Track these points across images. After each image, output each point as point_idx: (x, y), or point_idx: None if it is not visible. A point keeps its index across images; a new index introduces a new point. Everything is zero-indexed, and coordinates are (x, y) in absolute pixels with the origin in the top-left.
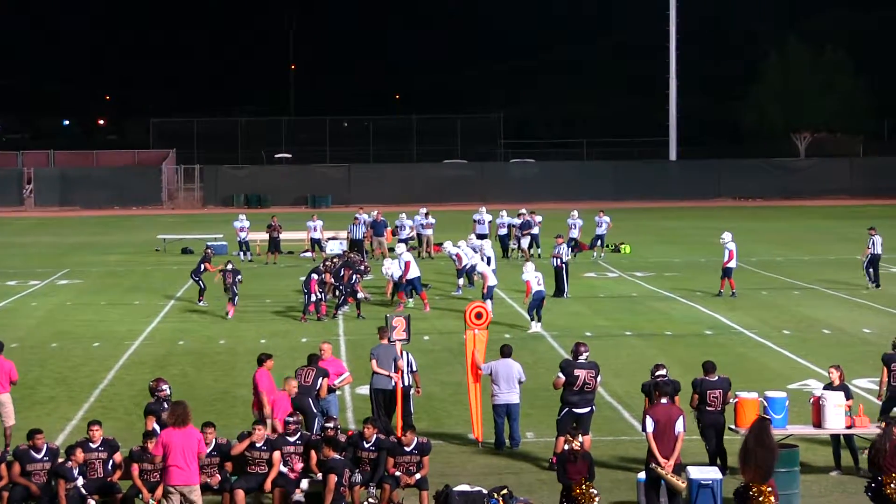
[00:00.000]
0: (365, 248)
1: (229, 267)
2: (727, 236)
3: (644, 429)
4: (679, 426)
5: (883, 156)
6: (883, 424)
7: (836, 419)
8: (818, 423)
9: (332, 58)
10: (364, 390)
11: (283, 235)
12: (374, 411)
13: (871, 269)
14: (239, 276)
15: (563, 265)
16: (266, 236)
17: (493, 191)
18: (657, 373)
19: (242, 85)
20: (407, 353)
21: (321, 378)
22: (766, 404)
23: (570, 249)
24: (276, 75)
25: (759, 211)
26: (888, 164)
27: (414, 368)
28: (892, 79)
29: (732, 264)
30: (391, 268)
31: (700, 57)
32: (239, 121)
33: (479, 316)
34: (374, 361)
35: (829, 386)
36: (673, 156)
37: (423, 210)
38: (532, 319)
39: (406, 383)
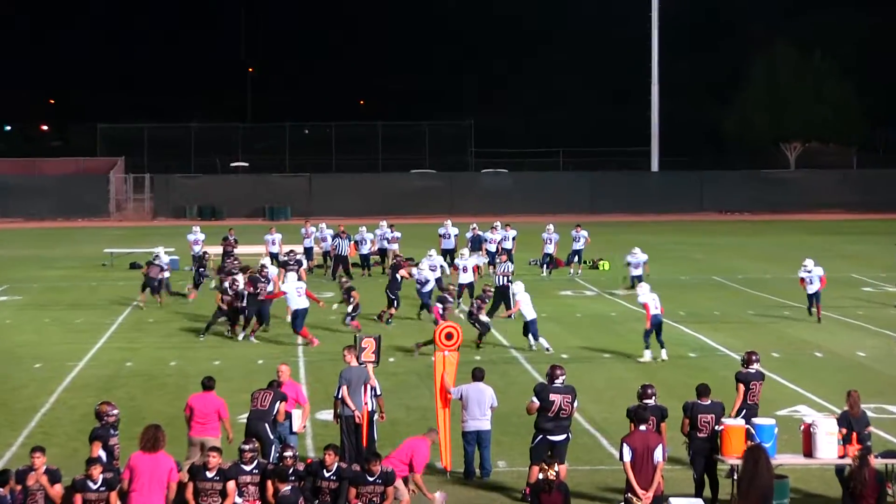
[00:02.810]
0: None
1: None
2: (810, 263)
3: (621, 458)
4: (658, 455)
5: (878, 167)
6: (857, 451)
7: (827, 448)
8: (809, 453)
9: (292, 61)
10: (325, 415)
11: (239, 250)
12: (342, 440)
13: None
14: (166, 273)
15: (510, 284)
16: (220, 250)
17: (462, 202)
18: (645, 396)
19: (196, 88)
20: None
21: (279, 402)
22: (752, 432)
23: (545, 265)
24: (233, 78)
25: (745, 225)
26: (884, 176)
27: (378, 392)
28: (886, 87)
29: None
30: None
31: (684, 63)
32: (192, 127)
33: (449, 337)
34: (344, 388)
35: (845, 415)
36: (655, 166)
37: (385, 223)
38: (647, 347)
39: (370, 408)
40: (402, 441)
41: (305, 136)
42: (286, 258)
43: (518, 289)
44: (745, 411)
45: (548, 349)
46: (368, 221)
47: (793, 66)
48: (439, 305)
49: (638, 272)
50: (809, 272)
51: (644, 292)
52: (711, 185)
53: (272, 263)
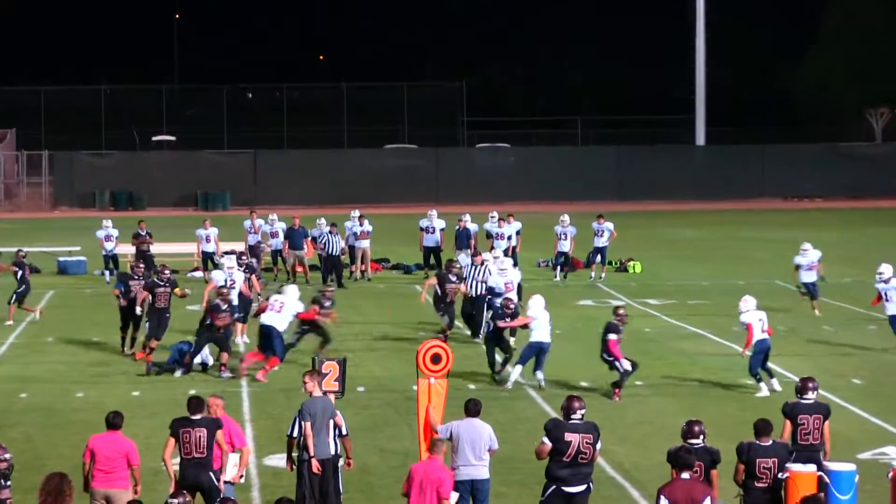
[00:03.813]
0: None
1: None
2: (887, 270)
3: None
4: None
5: None
6: None
7: None
8: None
9: (231, 4)
10: (275, 461)
11: (165, 248)
12: (300, 492)
13: None
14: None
15: (485, 293)
16: (133, 249)
17: (451, 187)
18: (691, 435)
19: (107, 41)
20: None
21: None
22: (827, 480)
23: (560, 267)
24: (155, 27)
25: (817, 215)
26: None
27: (343, 432)
28: None
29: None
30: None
31: (736, 14)
32: (102, 90)
33: (436, 359)
34: (307, 424)
35: None
36: (700, 140)
37: (356, 213)
38: (758, 379)
39: (333, 452)
40: (375, 492)
41: (249, 101)
42: (242, 261)
43: (535, 305)
44: (799, 454)
45: (541, 384)
46: (331, 212)
47: (878, 10)
48: (315, 306)
49: (811, 277)
50: (887, 282)
51: (749, 308)
52: (774, 164)
53: (208, 268)
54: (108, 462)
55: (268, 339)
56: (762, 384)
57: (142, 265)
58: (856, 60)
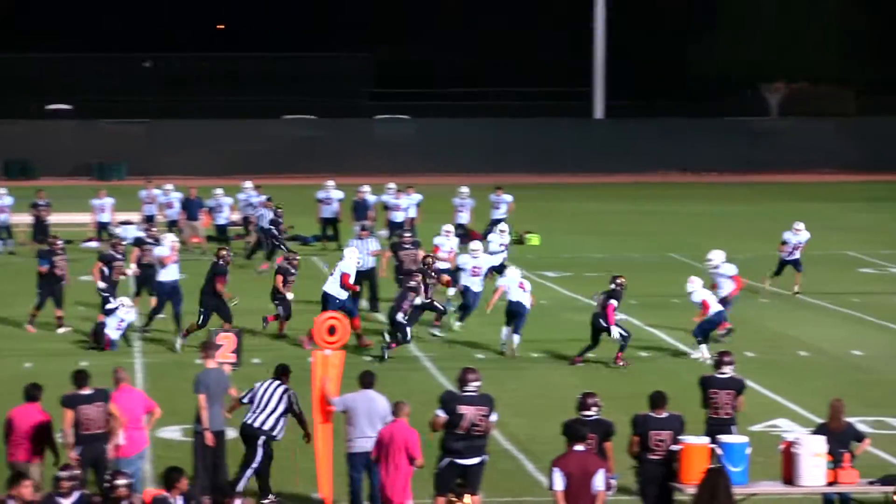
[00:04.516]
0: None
1: None
2: (716, 257)
3: (552, 486)
4: (598, 482)
5: (883, 115)
6: None
7: (813, 473)
8: (790, 479)
9: None
10: (170, 432)
11: (57, 218)
12: (196, 464)
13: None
14: None
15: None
16: (31, 219)
17: (351, 158)
18: (584, 407)
19: (5, 10)
20: (288, 392)
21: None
22: (719, 452)
23: (457, 238)
24: None
25: (715, 189)
26: (890, 125)
27: (294, 408)
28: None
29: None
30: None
31: None
32: None
33: (332, 331)
34: (201, 396)
35: (823, 430)
36: (598, 113)
37: (249, 184)
38: (699, 342)
39: (264, 425)
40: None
41: (145, 70)
42: (144, 233)
43: (509, 275)
44: (711, 428)
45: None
46: (227, 182)
47: None
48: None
49: (797, 255)
50: (716, 268)
51: (696, 287)
52: (671, 137)
53: (103, 238)
54: (23, 435)
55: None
56: (703, 347)
57: (59, 241)
58: (752, 35)
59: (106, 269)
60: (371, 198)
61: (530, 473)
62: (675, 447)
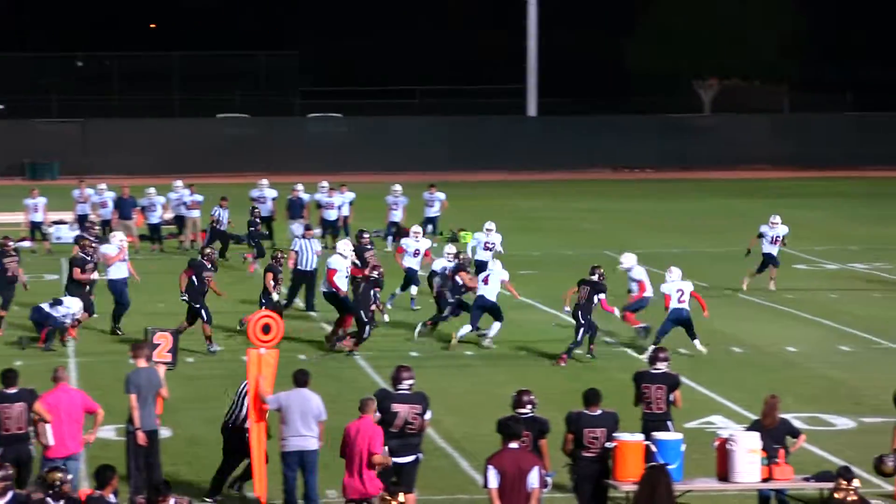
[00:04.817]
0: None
1: None
2: (627, 260)
3: (486, 484)
4: (533, 480)
5: (815, 112)
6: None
7: (748, 469)
8: (724, 475)
9: None
10: (104, 432)
11: None
12: (129, 464)
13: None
14: None
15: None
16: None
17: (284, 156)
18: (519, 404)
19: None
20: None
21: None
22: (654, 450)
23: (392, 237)
24: None
25: (648, 185)
26: (824, 122)
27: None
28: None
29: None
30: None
31: None
32: None
33: (266, 329)
34: (132, 396)
35: (756, 426)
36: (532, 110)
37: (179, 183)
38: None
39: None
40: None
41: (78, 69)
42: (92, 232)
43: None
44: (646, 423)
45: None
46: (161, 181)
47: None
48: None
49: (774, 250)
50: (628, 271)
51: (674, 278)
52: (605, 135)
53: (36, 238)
54: None
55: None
56: (695, 341)
57: (10, 241)
58: (686, 32)
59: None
60: (305, 196)
61: (465, 471)
62: (609, 444)
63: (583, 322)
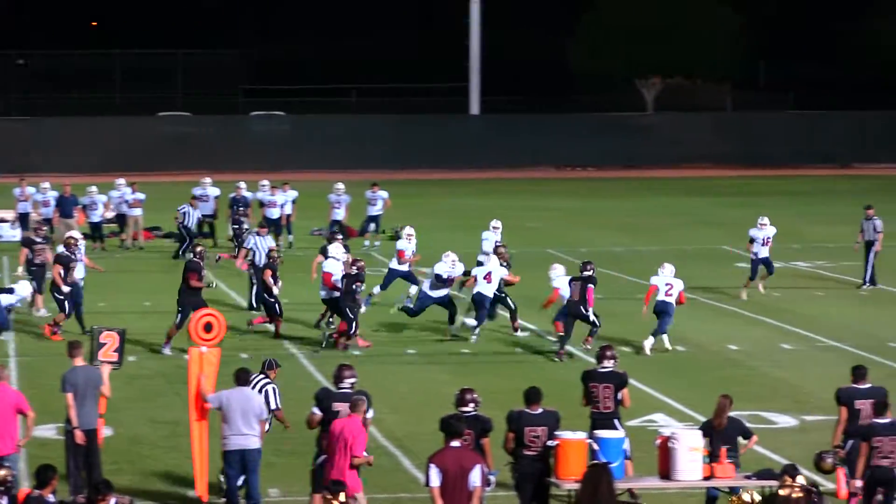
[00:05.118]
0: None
1: None
2: (555, 271)
3: (428, 483)
4: (475, 478)
5: (757, 110)
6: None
7: (690, 467)
8: (666, 473)
9: None
10: (44, 431)
11: None
12: (68, 463)
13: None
14: None
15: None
16: None
17: (227, 154)
18: (462, 403)
19: None
20: (272, 389)
21: None
22: (596, 448)
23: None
24: None
25: (591, 184)
26: (768, 120)
27: (275, 405)
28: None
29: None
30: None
31: None
32: None
33: (208, 328)
34: (69, 395)
35: (707, 426)
36: (475, 109)
37: (122, 181)
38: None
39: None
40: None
41: (19, 68)
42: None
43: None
44: (593, 422)
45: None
46: (103, 179)
47: None
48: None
49: (765, 252)
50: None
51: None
52: (548, 134)
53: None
54: None
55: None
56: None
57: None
58: (628, 30)
59: (63, 272)
60: (248, 194)
61: (407, 470)
62: (551, 443)
63: (587, 315)
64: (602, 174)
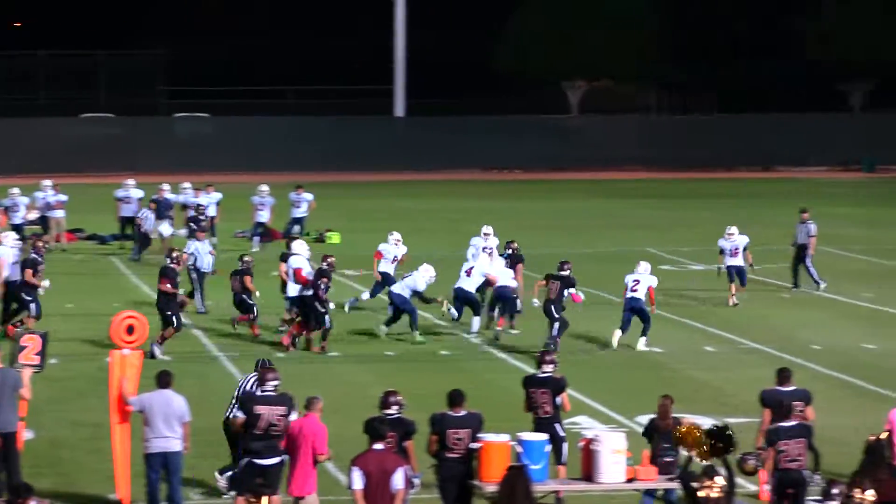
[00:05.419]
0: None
1: None
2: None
3: (351, 485)
4: (397, 481)
5: (682, 113)
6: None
7: (613, 469)
8: (589, 476)
9: None
10: None
11: None
12: None
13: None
14: None
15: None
16: None
17: (150, 156)
18: (386, 405)
19: None
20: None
21: None
22: (519, 450)
23: (259, 237)
24: None
25: (517, 186)
26: (690, 123)
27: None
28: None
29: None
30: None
31: None
32: None
33: (130, 330)
34: None
35: (652, 426)
36: (399, 111)
37: (48, 183)
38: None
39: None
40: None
41: None
42: None
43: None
44: (536, 427)
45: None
46: (25, 181)
47: None
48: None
49: (736, 261)
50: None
51: (641, 271)
52: (473, 135)
53: None
54: None
55: None
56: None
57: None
58: (554, 32)
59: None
60: (171, 196)
61: (331, 473)
62: (474, 445)
63: (556, 317)
64: (528, 176)
